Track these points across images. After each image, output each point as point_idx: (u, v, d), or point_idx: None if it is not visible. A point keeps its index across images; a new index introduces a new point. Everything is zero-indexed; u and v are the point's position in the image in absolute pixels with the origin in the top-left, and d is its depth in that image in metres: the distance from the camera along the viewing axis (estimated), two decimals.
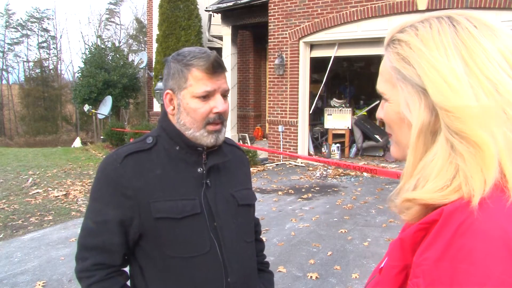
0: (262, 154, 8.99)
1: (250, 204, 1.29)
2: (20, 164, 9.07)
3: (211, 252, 1.12)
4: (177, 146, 1.16)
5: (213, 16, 10.41)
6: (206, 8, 10.14)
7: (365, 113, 9.36)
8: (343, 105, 9.10)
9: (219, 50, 10.52)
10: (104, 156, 1.23)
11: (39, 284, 3.31)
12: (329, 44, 8.12)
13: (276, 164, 8.42)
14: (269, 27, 8.61)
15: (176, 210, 1.10)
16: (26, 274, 3.52)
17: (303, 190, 6.33)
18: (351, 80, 10.95)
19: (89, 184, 6.90)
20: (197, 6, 10.55)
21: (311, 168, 7.81)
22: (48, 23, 36.77)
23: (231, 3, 9.32)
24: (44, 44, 33.07)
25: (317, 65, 8.94)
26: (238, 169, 1.29)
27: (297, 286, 3.21)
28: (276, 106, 8.64)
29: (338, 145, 8.69)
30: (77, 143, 15.71)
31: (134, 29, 34.06)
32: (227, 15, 9.97)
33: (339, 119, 8.74)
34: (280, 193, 6.16)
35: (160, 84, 8.64)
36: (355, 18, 7.45)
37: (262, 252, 1.44)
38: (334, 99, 9.49)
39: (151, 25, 13.12)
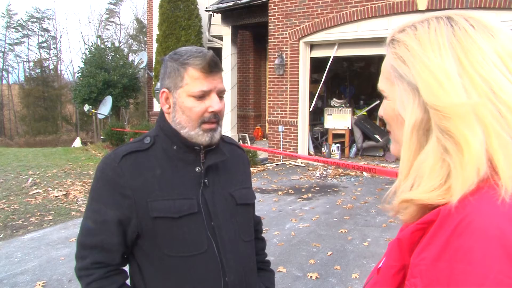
0: (262, 154, 8.99)
1: (249, 203, 1.29)
2: (20, 164, 9.07)
3: (209, 252, 1.12)
4: (175, 145, 1.16)
5: (213, 16, 10.41)
6: (206, 8, 10.14)
7: (365, 113, 9.36)
8: (343, 105, 9.10)
9: (219, 50, 10.51)
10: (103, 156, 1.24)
11: (39, 284, 3.31)
12: (329, 44, 8.12)
13: (276, 164, 8.42)
14: (269, 27, 8.61)
15: (173, 210, 1.10)
16: (26, 274, 3.52)
17: (303, 190, 6.33)
18: (351, 80, 10.95)
19: (89, 184, 6.91)
20: (197, 6, 10.55)
21: (311, 168, 7.81)
22: (48, 23, 36.75)
23: (231, 3, 9.32)
24: (44, 44, 33.10)
25: (317, 65, 8.94)
26: (238, 168, 1.29)
27: (297, 286, 3.21)
28: (276, 106, 8.64)
29: (338, 145, 8.69)
30: (77, 143, 15.71)
31: (134, 29, 34.09)
32: (227, 15, 9.97)
33: (339, 119, 8.74)
34: (280, 193, 6.16)
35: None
36: (355, 18, 7.45)
37: (263, 251, 1.44)
38: (334, 99, 9.49)
39: (151, 25, 13.12)
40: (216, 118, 1.14)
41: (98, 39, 17.25)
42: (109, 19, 35.01)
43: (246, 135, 10.97)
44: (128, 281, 1.18)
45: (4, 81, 32.53)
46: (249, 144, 10.27)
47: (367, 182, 6.72)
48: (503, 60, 0.58)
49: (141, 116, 23.12)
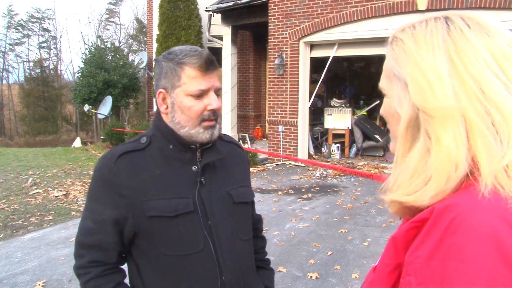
0: (262, 154, 8.99)
1: (247, 201, 1.28)
2: (20, 164, 9.07)
3: (205, 250, 1.13)
4: (171, 144, 1.17)
5: (213, 16, 10.41)
6: (206, 8, 10.14)
7: (365, 113, 9.36)
8: (343, 105, 9.10)
9: (219, 50, 10.51)
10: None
11: (39, 284, 3.31)
12: (329, 44, 8.12)
13: (276, 164, 8.42)
14: (269, 27, 8.61)
15: (169, 209, 1.11)
16: (26, 274, 3.52)
17: (303, 190, 6.33)
18: (351, 80, 10.95)
19: (89, 184, 6.90)
20: (197, 6, 10.55)
21: (311, 168, 7.81)
22: (49, 23, 36.75)
23: (231, 3, 9.32)
24: (44, 44, 33.10)
25: (317, 65, 8.94)
26: (236, 166, 1.29)
27: (297, 286, 3.21)
28: (276, 106, 8.64)
29: (338, 145, 8.69)
30: (77, 143, 15.71)
31: (134, 29, 34.08)
32: (227, 15, 9.97)
33: (339, 119, 8.74)
34: (280, 193, 6.16)
35: None
36: (355, 18, 7.45)
37: (263, 249, 1.44)
38: (334, 99, 9.49)
39: (151, 25, 13.12)
40: (215, 115, 1.15)
41: (98, 39, 17.25)
42: (109, 19, 35.01)
43: (246, 135, 10.97)
44: (126, 280, 1.19)
45: (4, 81, 32.54)
46: (249, 144, 10.27)
47: (367, 182, 6.72)
48: (496, 60, 0.59)
49: (141, 116, 23.11)
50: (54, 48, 33.71)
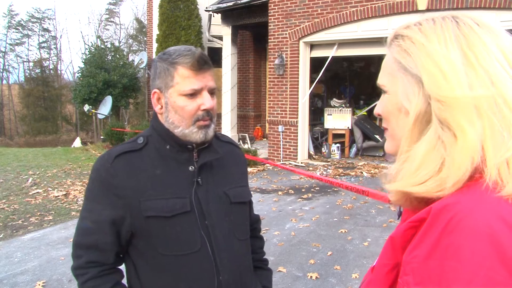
0: (262, 154, 9.00)
1: (244, 201, 1.28)
2: (20, 164, 9.07)
3: (202, 250, 1.13)
4: (168, 145, 1.17)
5: (213, 16, 10.41)
6: (206, 8, 10.14)
7: (365, 113, 9.36)
8: (343, 105, 9.10)
9: (219, 50, 10.51)
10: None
11: (39, 284, 3.31)
12: (329, 44, 8.12)
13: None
14: (269, 27, 8.61)
15: (166, 209, 1.11)
16: (26, 274, 3.52)
17: (303, 190, 6.33)
18: (351, 80, 10.95)
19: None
20: (197, 6, 10.55)
21: (311, 168, 7.81)
22: (49, 23, 36.75)
23: (231, 3, 9.32)
24: (45, 44, 33.11)
25: (317, 65, 8.94)
26: (233, 166, 1.29)
27: (297, 286, 3.21)
28: (276, 106, 8.64)
29: (338, 145, 8.70)
30: (77, 143, 15.71)
31: (134, 29, 34.09)
32: (227, 15, 9.97)
33: (339, 119, 8.75)
34: (280, 193, 6.16)
35: None
36: (355, 18, 7.45)
37: (261, 249, 1.44)
38: (334, 99, 9.50)
39: (151, 25, 13.12)
40: (209, 115, 1.15)
41: (98, 39, 17.26)
42: (109, 19, 35.03)
43: (246, 135, 10.96)
44: (124, 280, 1.19)
45: (4, 81, 32.55)
46: (249, 144, 10.27)
47: (367, 182, 6.72)
48: (505, 56, 0.60)
49: (141, 116, 23.11)
50: (54, 48, 33.73)
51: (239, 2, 9.21)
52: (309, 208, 5.32)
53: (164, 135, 1.17)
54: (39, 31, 32.67)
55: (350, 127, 8.71)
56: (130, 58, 17.84)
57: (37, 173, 8.07)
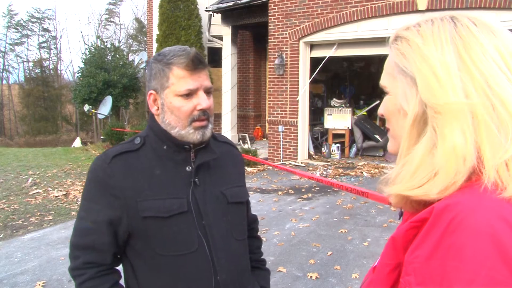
0: (262, 154, 9.00)
1: (241, 201, 1.28)
2: (20, 164, 9.07)
3: (200, 250, 1.13)
4: (165, 145, 1.17)
5: (213, 16, 10.41)
6: (206, 8, 10.14)
7: (365, 113, 9.36)
8: (343, 105, 9.10)
9: (219, 50, 10.51)
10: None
11: (39, 284, 3.31)
12: (329, 44, 8.12)
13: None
14: (269, 27, 8.61)
15: (163, 209, 1.11)
16: (26, 274, 3.52)
17: (303, 190, 6.33)
18: (351, 80, 10.95)
19: None
20: (197, 6, 10.55)
21: (311, 168, 7.81)
22: (49, 24, 36.75)
23: (231, 3, 9.32)
24: (45, 44, 33.11)
25: (317, 65, 8.94)
26: (231, 166, 1.29)
27: (297, 286, 3.21)
28: (276, 106, 8.64)
29: (338, 145, 8.70)
30: (77, 143, 15.71)
31: (134, 29, 34.09)
32: (227, 15, 9.97)
33: (339, 119, 8.75)
34: (280, 193, 6.16)
35: None
36: (355, 18, 7.45)
37: (259, 249, 1.44)
38: (334, 99, 9.49)
39: (151, 25, 13.12)
40: (206, 115, 1.14)
41: (98, 39, 17.26)
42: (109, 19, 35.03)
43: (246, 135, 10.96)
44: (122, 281, 1.19)
45: (4, 81, 32.56)
46: (249, 144, 10.27)
47: (367, 182, 6.72)
48: (503, 57, 0.60)
49: (141, 116, 23.11)
50: (54, 48, 33.74)
51: (239, 2, 9.21)
52: (309, 208, 5.32)
53: (161, 136, 1.16)
54: (39, 31, 32.69)
55: (350, 127, 8.70)
56: (130, 58, 17.85)
57: (37, 173, 8.07)
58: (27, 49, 37.43)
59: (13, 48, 32.49)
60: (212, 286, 1.13)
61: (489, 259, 0.50)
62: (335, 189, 6.31)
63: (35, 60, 32.25)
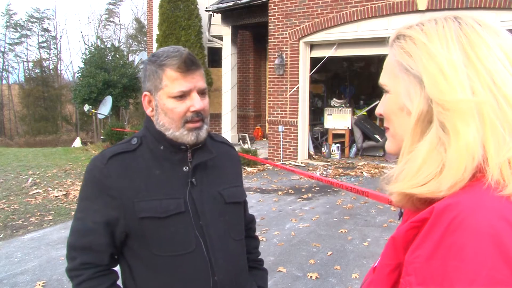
0: (262, 154, 9.00)
1: (239, 201, 1.27)
2: (20, 164, 9.07)
3: (197, 251, 1.13)
4: (161, 145, 1.17)
5: (213, 16, 10.41)
6: (206, 8, 10.14)
7: (365, 113, 9.36)
8: (343, 105, 9.10)
9: (219, 50, 10.51)
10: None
11: (39, 284, 3.31)
12: (329, 44, 8.12)
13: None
14: (269, 27, 8.61)
15: (160, 210, 1.11)
16: (26, 274, 3.52)
17: (303, 190, 6.33)
18: (351, 80, 10.95)
19: None
20: (197, 6, 10.55)
21: (311, 168, 7.81)
22: (48, 23, 36.76)
23: (231, 3, 9.32)
24: (44, 44, 33.12)
25: (317, 65, 8.94)
26: (228, 166, 1.29)
27: (297, 286, 3.21)
28: (276, 106, 8.64)
29: (338, 145, 8.70)
30: (77, 143, 15.71)
31: (134, 29, 34.10)
32: (227, 15, 9.97)
33: (339, 119, 8.75)
34: (280, 193, 6.16)
35: None
36: (355, 18, 7.45)
37: (256, 249, 1.44)
38: (334, 99, 9.50)
39: (151, 25, 13.12)
40: (200, 116, 1.13)
41: (98, 39, 17.26)
42: (109, 19, 35.04)
43: (246, 135, 10.96)
44: (119, 281, 1.19)
45: (4, 81, 32.56)
46: (249, 144, 10.27)
47: (367, 182, 6.72)
48: (507, 56, 0.61)
49: (141, 116, 23.10)
50: (54, 48, 33.74)
51: (239, 2, 9.21)
52: (309, 208, 5.32)
53: (158, 136, 1.16)
54: (38, 31, 32.70)
55: (350, 127, 8.71)
56: (130, 58, 17.86)
57: (37, 173, 8.07)
58: (27, 49, 37.44)
59: (12, 48, 32.51)
60: (210, 287, 1.13)
61: (490, 259, 0.50)
62: (335, 189, 6.31)
63: (35, 60, 32.28)
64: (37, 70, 32.08)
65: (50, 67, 33.02)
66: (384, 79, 0.71)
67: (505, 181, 0.56)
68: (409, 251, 0.58)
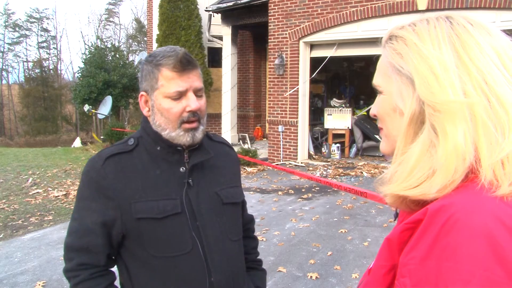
0: (262, 154, 9.00)
1: (236, 202, 1.27)
2: (20, 164, 9.07)
3: (193, 252, 1.12)
4: (158, 146, 1.16)
5: (213, 16, 10.41)
6: (206, 8, 10.14)
7: (365, 113, 9.36)
8: (343, 105, 9.11)
9: (219, 50, 10.51)
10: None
11: (39, 284, 3.31)
12: (329, 44, 8.12)
13: (276, 164, 8.41)
14: (269, 27, 8.61)
15: (156, 210, 1.10)
16: (26, 274, 3.52)
17: (303, 190, 6.33)
18: (351, 80, 10.95)
19: None
20: (197, 6, 10.55)
21: (311, 168, 7.81)
22: (48, 23, 36.76)
23: (231, 3, 9.32)
24: (44, 44, 33.11)
25: (317, 65, 8.94)
26: (226, 166, 1.28)
27: (297, 286, 3.21)
28: (276, 106, 8.64)
29: (338, 145, 8.70)
30: (77, 143, 15.71)
31: (134, 29, 34.10)
32: (227, 15, 9.97)
33: (339, 119, 8.75)
34: (280, 193, 6.16)
35: None
36: (355, 18, 7.45)
37: (255, 250, 1.43)
38: (334, 99, 9.50)
39: (151, 25, 13.11)
40: (196, 116, 1.13)
41: (98, 39, 17.27)
42: (109, 19, 35.05)
43: (246, 135, 10.96)
44: (117, 282, 1.19)
45: (4, 81, 32.57)
46: (249, 144, 10.27)
47: (367, 182, 6.72)
48: (499, 56, 0.60)
49: (141, 116, 23.07)
50: (54, 48, 33.74)
51: (239, 2, 9.21)
52: (309, 208, 5.32)
53: (154, 137, 1.16)
54: (37, 31, 32.70)
55: (350, 127, 8.71)
56: (130, 58, 17.87)
57: (37, 173, 8.07)
58: (26, 49, 37.46)
59: (11, 48, 32.51)
60: (206, 287, 1.13)
61: (485, 259, 0.50)
62: (335, 189, 6.31)
63: (35, 60, 32.28)
64: (37, 70, 32.10)
65: (50, 67, 33.04)
66: (377, 80, 0.71)
67: (498, 181, 0.56)
68: (404, 252, 0.58)
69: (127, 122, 16.00)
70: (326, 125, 8.92)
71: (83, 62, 14.21)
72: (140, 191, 1.11)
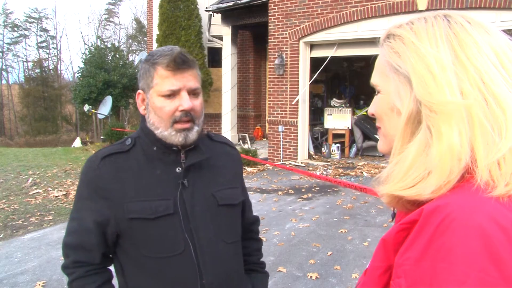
0: (262, 154, 9.00)
1: (233, 204, 1.24)
2: (20, 164, 9.07)
3: (185, 253, 1.12)
4: (155, 146, 1.16)
5: (213, 16, 10.41)
6: (206, 8, 10.14)
7: (365, 113, 9.35)
8: (343, 105, 9.11)
9: (219, 50, 10.51)
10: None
11: (39, 284, 3.31)
12: (329, 44, 8.12)
13: (276, 164, 8.42)
14: (269, 27, 8.61)
15: (149, 211, 1.11)
16: (26, 274, 3.52)
17: (303, 190, 6.33)
18: (351, 80, 10.95)
19: None
20: (197, 6, 10.55)
21: (311, 168, 7.81)
22: (47, 23, 36.76)
23: (231, 3, 9.32)
24: (44, 44, 33.11)
25: (317, 65, 8.94)
26: (226, 167, 1.27)
27: (297, 286, 3.21)
28: (276, 106, 8.64)
29: (338, 145, 8.70)
30: (77, 143, 15.70)
31: (134, 29, 34.10)
32: (227, 15, 9.97)
33: (339, 119, 8.75)
34: (280, 193, 6.16)
35: None
36: (355, 18, 7.45)
37: (259, 252, 1.42)
38: (334, 99, 9.50)
39: (151, 25, 13.11)
40: (188, 116, 1.11)
41: (98, 39, 17.27)
42: (109, 19, 35.05)
43: (246, 135, 10.97)
44: (114, 281, 1.21)
45: (4, 81, 32.57)
46: (249, 144, 10.27)
47: (367, 182, 6.72)
48: (497, 55, 0.60)
49: (141, 116, 23.07)
50: (54, 48, 33.74)
51: (239, 2, 9.21)
52: (309, 208, 5.32)
53: (151, 137, 1.16)
54: (37, 31, 32.69)
55: (350, 127, 8.71)
56: (130, 58, 17.87)
57: (37, 173, 8.07)
58: (25, 49, 37.45)
59: (11, 48, 32.51)
60: None
61: (479, 260, 0.50)
62: (335, 189, 6.31)
63: (35, 60, 32.28)
64: (37, 70, 32.10)
65: (50, 67, 33.03)
66: (375, 79, 0.70)
67: (495, 182, 0.55)
68: (399, 253, 0.58)
69: (127, 122, 16.00)
70: (326, 125, 8.92)
71: (83, 62, 14.22)
72: (134, 191, 1.12)
